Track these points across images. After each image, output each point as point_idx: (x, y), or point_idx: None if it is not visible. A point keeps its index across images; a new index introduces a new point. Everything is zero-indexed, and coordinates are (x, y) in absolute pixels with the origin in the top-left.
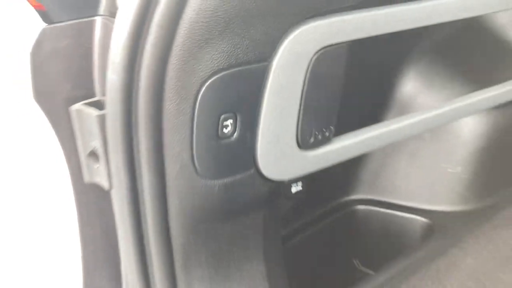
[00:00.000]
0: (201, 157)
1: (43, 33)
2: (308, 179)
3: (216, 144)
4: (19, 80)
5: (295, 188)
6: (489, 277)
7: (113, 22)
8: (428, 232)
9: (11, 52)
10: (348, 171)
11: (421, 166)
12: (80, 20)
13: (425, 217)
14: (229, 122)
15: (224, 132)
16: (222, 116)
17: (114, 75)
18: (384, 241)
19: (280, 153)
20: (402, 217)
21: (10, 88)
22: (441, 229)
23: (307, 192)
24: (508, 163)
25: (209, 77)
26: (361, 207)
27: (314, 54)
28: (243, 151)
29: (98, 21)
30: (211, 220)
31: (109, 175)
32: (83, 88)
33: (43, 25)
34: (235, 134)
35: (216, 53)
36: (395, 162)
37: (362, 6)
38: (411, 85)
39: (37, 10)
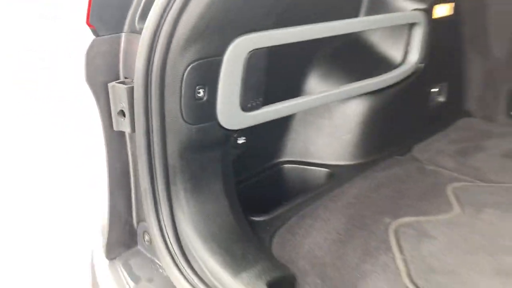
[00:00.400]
0: (185, 111)
1: (92, 42)
2: (248, 137)
3: (194, 103)
4: (19, 80)
5: (240, 140)
6: (365, 196)
7: (132, 36)
8: (330, 178)
9: (11, 52)
10: (276, 142)
11: (324, 136)
12: (113, 35)
13: (328, 168)
14: (201, 90)
15: (198, 96)
16: (197, 87)
17: (139, 64)
18: (303, 186)
19: (230, 112)
20: (313, 170)
21: (10, 88)
22: (338, 175)
23: (249, 154)
24: (381, 132)
25: (190, 64)
26: (286, 165)
27: (247, 54)
28: (209, 109)
29: (123, 36)
30: (190, 151)
31: (131, 124)
32: (113, 74)
33: (93, 37)
34: (205, 98)
35: (194, 50)
36: (307, 134)
37: (276, 27)
38: (314, 80)
39: (90, 29)
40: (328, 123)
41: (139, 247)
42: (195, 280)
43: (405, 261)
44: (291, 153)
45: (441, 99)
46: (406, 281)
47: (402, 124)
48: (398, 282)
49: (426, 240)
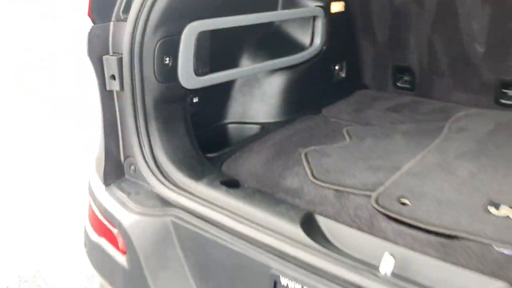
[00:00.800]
0: (157, 73)
1: (91, 28)
2: (201, 98)
3: (162, 68)
4: (19, 80)
5: (195, 99)
6: (286, 139)
7: (118, 24)
8: (262, 131)
9: (11, 52)
10: (221, 108)
11: (256, 101)
12: (105, 23)
13: (260, 125)
14: (167, 59)
15: (165, 63)
16: (164, 56)
17: (126, 41)
18: (242, 136)
19: (187, 75)
20: (250, 127)
21: (10, 88)
22: (268, 129)
23: (202, 115)
24: (298, 97)
25: (159, 40)
26: (230, 125)
27: (197, 34)
28: (173, 72)
29: (112, 23)
30: (161, 102)
31: (120, 84)
32: (105, 50)
33: (92, 25)
34: (170, 64)
35: (162, 31)
36: (244, 101)
37: (219, 16)
38: (246, 58)
39: (90, 19)
40: (259, 92)
41: (126, 176)
42: (171, 186)
43: (310, 168)
44: (233, 116)
45: (342, 74)
46: (311, 178)
47: (313, 92)
48: (306, 179)
49: (325, 157)
